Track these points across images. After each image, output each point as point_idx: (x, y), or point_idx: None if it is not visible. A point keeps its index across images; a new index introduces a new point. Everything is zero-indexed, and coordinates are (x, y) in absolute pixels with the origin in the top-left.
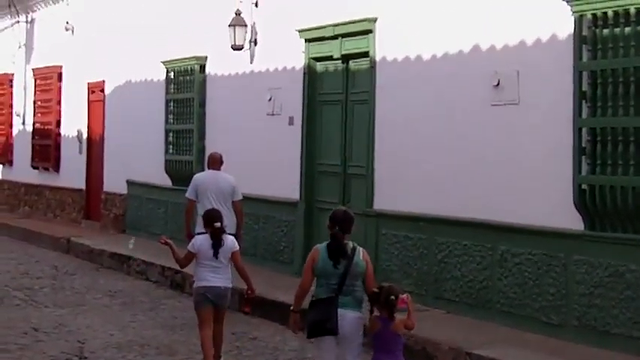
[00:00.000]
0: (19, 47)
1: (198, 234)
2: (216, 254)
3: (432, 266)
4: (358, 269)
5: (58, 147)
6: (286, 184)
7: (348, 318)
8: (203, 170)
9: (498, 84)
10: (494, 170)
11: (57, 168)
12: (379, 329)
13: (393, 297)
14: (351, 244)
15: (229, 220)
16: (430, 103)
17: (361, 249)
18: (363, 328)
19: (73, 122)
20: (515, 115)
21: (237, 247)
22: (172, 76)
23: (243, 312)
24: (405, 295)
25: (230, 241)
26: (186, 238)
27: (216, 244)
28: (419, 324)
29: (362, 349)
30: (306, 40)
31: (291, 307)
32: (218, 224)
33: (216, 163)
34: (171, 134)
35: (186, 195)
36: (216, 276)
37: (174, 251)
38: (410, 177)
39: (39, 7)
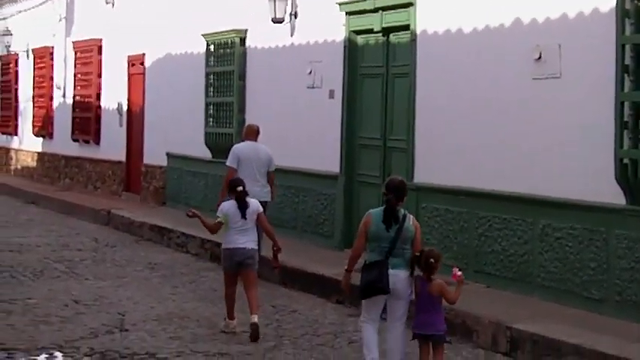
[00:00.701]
0: (60, 20)
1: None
2: (243, 215)
3: (473, 240)
4: (408, 234)
5: (98, 119)
6: (326, 157)
7: (399, 277)
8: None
9: (540, 57)
10: (536, 144)
11: (97, 140)
12: (418, 289)
13: (432, 260)
14: (402, 210)
15: (265, 189)
16: (471, 77)
17: (411, 216)
18: (412, 286)
19: (113, 95)
20: (556, 89)
21: (262, 209)
22: (212, 49)
23: (273, 267)
24: (459, 273)
25: (254, 204)
26: (216, 207)
27: (242, 205)
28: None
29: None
30: (346, 13)
31: (345, 268)
32: (240, 188)
33: (253, 134)
34: (211, 107)
35: (228, 164)
36: (243, 238)
37: (203, 220)
38: (450, 150)
39: None
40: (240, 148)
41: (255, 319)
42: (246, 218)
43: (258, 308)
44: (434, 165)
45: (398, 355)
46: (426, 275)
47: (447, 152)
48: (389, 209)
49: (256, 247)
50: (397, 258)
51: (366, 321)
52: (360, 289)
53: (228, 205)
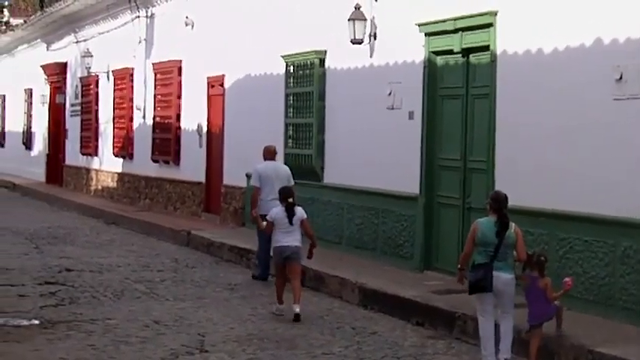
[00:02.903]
0: (140, 42)
1: (262, 215)
2: (290, 221)
3: (553, 262)
4: (510, 240)
5: (178, 140)
6: (406, 179)
7: (502, 278)
8: (322, 163)
9: (621, 78)
10: (617, 165)
11: (177, 161)
12: (529, 285)
13: (542, 258)
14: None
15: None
16: (551, 97)
17: (513, 224)
18: (514, 286)
19: (193, 116)
20: (638, 110)
21: (306, 216)
22: (292, 70)
23: (307, 258)
24: (570, 282)
25: (300, 211)
26: (252, 219)
27: (290, 213)
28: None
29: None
30: (426, 34)
31: (458, 266)
32: (291, 199)
33: (271, 154)
34: (290, 128)
35: (252, 183)
36: (289, 237)
37: (259, 223)
38: (531, 171)
39: (159, 2)
40: (261, 167)
41: (297, 309)
42: (292, 224)
43: (301, 298)
44: (514, 186)
45: (509, 338)
46: (536, 271)
47: (527, 173)
48: (503, 219)
49: (300, 245)
50: (501, 262)
51: (481, 314)
52: (468, 286)
53: (277, 212)
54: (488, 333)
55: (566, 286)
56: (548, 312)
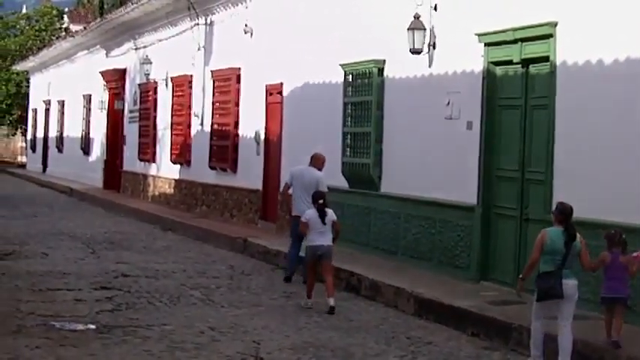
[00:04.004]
0: (198, 49)
1: (295, 216)
2: (323, 221)
3: None
4: (576, 249)
5: (235, 148)
6: (464, 189)
7: (569, 285)
8: (380, 172)
9: None
10: None
11: (234, 169)
12: (610, 261)
13: (624, 236)
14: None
15: (308, 204)
16: (611, 108)
17: (578, 234)
18: (577, 292)
19: (251, 124)
20: None
21: (336, 218)
22: (350, 79)
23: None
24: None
25: (331, 213)
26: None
27: (322, 214)
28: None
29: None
30: (485, 44)
31: (520, 275)
32: (322, 201)
33: (312, 160)
34: (348, 137)
35: (286, 180)
36: (322, 237)
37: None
38: (590, 183)
39: (218, 9)
40: (294, 170)
41: (331, 302)
42: (325, 224)
43: (334, 292)
44: (572, 197)
45: (569, 348)
46: (619, 249)
47: (586, 184)
48: (571, 229)
49: (332, 244)
50: (567, 269)
51: (537, 318)
52: (536, 294)
53: (310, 213)
54: (540, 334)
55: (636, 259)
56: (622, 289)
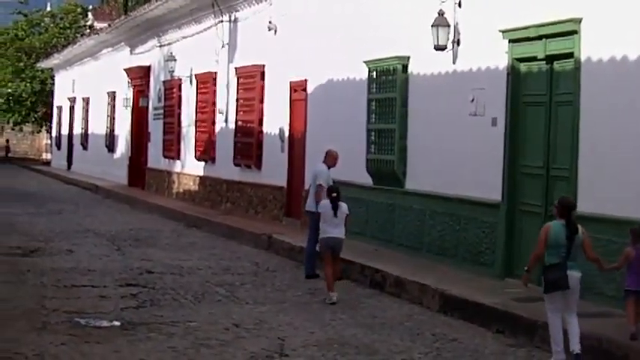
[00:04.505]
0: (223, 46)
1: (308, 211)
2: (335, 214)
3: None
4: (579, 241)
5: (260, 145)
6: (488, 185)
7: (574, 277)
8: (404, 169)
9: None
10: None
11: (259, 165)
12: (635, 256)
13: None
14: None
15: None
16: (636, 105)
17: (580, 226)
18: (580, 284)
19: (276, 120)
20: None
21: (348, 212)
22: (374, 76)
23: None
24: None
25: (344, 206)
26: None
27: (334, 206)
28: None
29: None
30: (509, 41)
31: (526, 268)
32: (335, 194)
33: (326, 156)
34: (373, 133)
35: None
36: (335, 230)
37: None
38: (615, 179)
39: (242, 6)
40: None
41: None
42: (337, 216)
43: (340, 273)
44: (597, 194)
45: (577, 333)
46: None
47: (611, 181)
48: (572, 222)
49: (343, 237)
50: (571, 262)
51: (552, 311)
52: (544, 286)
53: (325, 204)
54: (558, 329)
55: None
56: None
